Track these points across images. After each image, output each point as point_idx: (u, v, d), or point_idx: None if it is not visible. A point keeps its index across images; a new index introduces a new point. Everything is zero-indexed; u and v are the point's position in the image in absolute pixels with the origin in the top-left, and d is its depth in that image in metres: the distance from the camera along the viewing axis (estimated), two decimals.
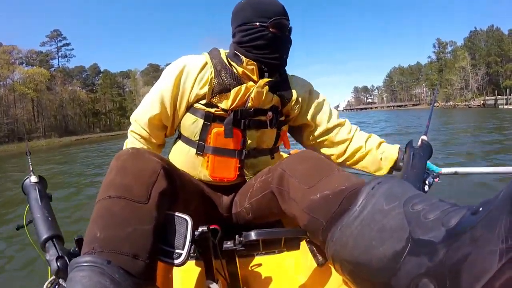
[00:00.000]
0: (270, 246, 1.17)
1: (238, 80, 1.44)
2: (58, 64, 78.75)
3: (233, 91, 1.41)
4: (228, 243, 1.13)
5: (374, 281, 0.82)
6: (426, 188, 1.43)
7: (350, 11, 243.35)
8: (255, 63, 1.44)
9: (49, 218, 1.28)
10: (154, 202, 0.99)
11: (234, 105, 1.42)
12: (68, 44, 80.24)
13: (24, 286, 3.22)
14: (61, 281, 1.09)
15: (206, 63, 1.48)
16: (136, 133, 1.62)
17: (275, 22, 1.42)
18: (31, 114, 62.31)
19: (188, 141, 1.52)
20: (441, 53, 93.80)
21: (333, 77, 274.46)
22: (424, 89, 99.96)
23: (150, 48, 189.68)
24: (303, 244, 1.41)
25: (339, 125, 1.67)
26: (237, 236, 1.12)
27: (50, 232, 1.20)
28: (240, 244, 1.10)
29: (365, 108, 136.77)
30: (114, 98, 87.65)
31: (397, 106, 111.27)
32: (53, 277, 1.10)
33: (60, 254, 1.12)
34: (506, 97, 63.00)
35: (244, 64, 1.45)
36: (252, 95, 1.43)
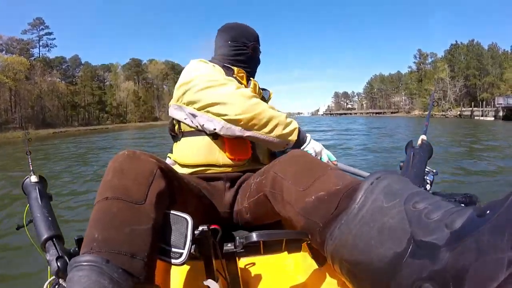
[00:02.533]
0: (271, 249, 1.17)
1: (239, 81, 1.73)
2: (39, 54, 77.28)
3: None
4: (229, 245, 1.13)
5: (373, 282, 0.80)
6: (428, 187, 1.44)
7: (335, 19, 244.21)
8: (243, 72, 1.80)
9: (49, 218, 1.28)
10: (151, 203, 1.01)
11: None
12: (50, 33, 79.04)
13: (24, 286, 3.22)
14: (61, 281, 1.10)
15: (220, 68, 1.73)
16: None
17: (253, 45, 1.87)
18: (8, 104, 61.03)
19: (199, 133, 1.62)
20: (421, 64, 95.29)
21: (314, 82, 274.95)
22: (403, 97, 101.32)
23: (133, 42, 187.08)
24: (304, 245, 1.45)
25: None
26: (237, 237, 1.11)
27: (50, 232, 1.20)
28: (241, 245, 1.09)
29: (345, 114, 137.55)
30: (94, 92, 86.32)
31: (376, 113, 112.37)
32: (53, 277, 1.10)
33: (60, 254, 1.13)
34: (482, 109, 64.22)
35: (236, 72, 1.77)
36: (251, 87, 1.77)
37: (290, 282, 1.35)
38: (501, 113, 53.31)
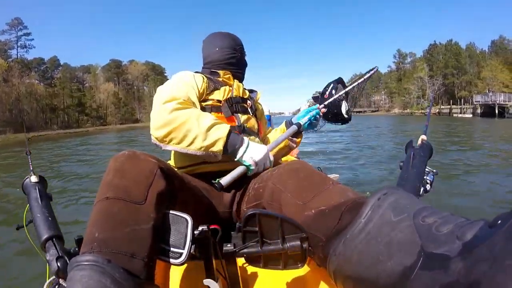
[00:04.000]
0: (272, 263, 1.09)
1: (223, 84, 1.84)
2: (17, 55, 75.61)
3: (222, 88, 1.79)
4: (228, 245, 1.13)
5: None
6: (428, 187, 1.44)
7: (318, 17, 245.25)
8: (229, 72, 1.92)
9: (49, 218, 1.29)
10: (151, 203, 1.02)
11: (225, 96, 1.77)
12: (28, 34, 76.63)
13: (24, 286, 3.23)
14: (61, 281, 1.10)
15: (201, 75, 1.79)
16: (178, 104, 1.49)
17: (240, 49, 2.03)
18: None
19: None
20: (400, 63, 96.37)
21: (300, 79, 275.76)
22: (382, 96, 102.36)
23: (113, 43, 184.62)
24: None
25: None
26: (237, 223, 1.11)
27: (50, 232, 1.21)
28: (240, 231, 1.08)
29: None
30: (73, 94, 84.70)
31: (357, 111, 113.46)
32: (53, 277, 1.10)
33: (60, 254, 1.13)
34: (460, 106, 66.22)
35: (222, 75, 1.88)
36: (234, 87, 1.86)
37: (288, 280, 1.36)
38: (479, 110, 55.35)
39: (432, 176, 1.47)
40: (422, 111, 75.51)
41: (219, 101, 1.73)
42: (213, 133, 1.41)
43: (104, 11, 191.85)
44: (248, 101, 1.89)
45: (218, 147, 1.41)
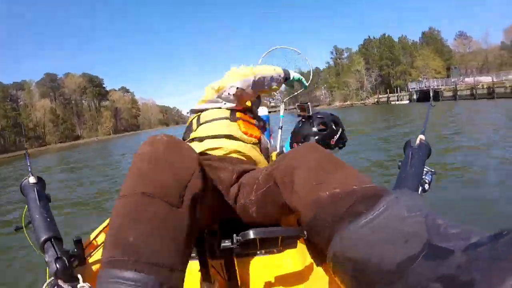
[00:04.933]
0: (267, 245, 1.12)
1: None
2: None
3: None
4: (226, 242, 1.10)
5: (379, 281, 0.77)
6: (426, 186, 1.42)
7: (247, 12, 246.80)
8: None
9: (48, 219, 1.30)
10: (187, 207, 0.89)
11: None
12: None
13: (23, 287, 3.19)
14: (60, 282, 1.11)
15: None
16: None
17: None
18: None
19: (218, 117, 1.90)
20: (338, 59, 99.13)
21: None
22: (323, 91, 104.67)
23: (47, 56, 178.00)
24: (300, 242, 1.43)
25: None
26: (234, 235, 1.08)
27: (49, 233, 1.22)
28: (238, 242, 1.06)
29: (269, 112, 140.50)
30: (8, 113, 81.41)
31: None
32: (52, 277, 1.11)
33: (59, 255, 1.14)
34: (397, 94, 69.74)
35: None
36: None
37: (287, 279, 1.38)
38: (414, 96, 58.70)
39: (430, 176, 1.47)
40: (362, 101, 79.50)
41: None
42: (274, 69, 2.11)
43: (34, 20, 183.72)
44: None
45: (280, 70, 2.13)
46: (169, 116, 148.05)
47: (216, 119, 1.85)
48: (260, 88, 2.01)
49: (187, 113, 2.19)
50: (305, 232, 1.07)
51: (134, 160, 0.94)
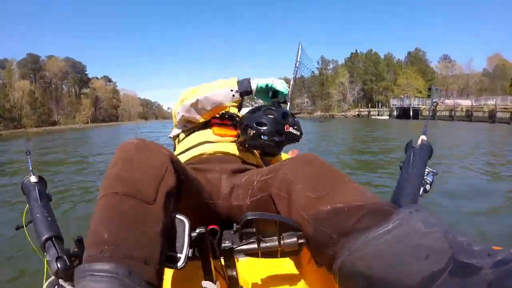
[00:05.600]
0: (269, 254, 1.13)
1: None
2: None
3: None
4: (227, 242, 1.13)
5: None
6: (428, 187, 1.40)
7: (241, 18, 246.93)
8: None
9: (49, 218, 1.30)
10: (161, 202, 0.93)
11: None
12: None
13: (24, 287, 3.20)
14: (60, 281, 1.11)
15: None
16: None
17: None
18: None
19: (195, 129, 1.86)
20: (323, 69, 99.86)
21: None
22: (305, 99, 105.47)
23: (31, 36, 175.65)
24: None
25: None
26: (234, 224, 1.11)
27: (49, 232, 1.21)
28: (241, 225, 1.07)
29: None
30: None
31: None
32: (53, 277, 1.11)
33: (60, 254, 1.14)
34: (378, 109, 71.68)
35: None
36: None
37: (288, 280, 1.39)
38: (395, 113, 59.82)
39: (432, 177, 1.46)
40: (343, 113, 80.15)
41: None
42: (223, 85, 1.74)
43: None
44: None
45: (233, 82, 1.72)
46: (149, 110, 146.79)
47: (193, 132, 1.86)
48: (205, 112, 1.76)
49: (168, 108, 2.12)
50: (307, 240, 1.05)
51: (109, 165, 0.98)
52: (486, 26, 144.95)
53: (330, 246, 0.93)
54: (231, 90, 1.70)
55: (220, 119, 1.85)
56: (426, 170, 1.45)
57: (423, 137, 1.56)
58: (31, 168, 1.60)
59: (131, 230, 0.84)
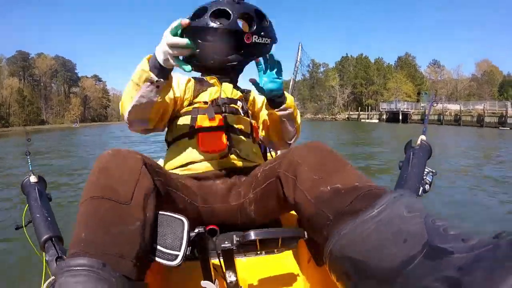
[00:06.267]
0: (267, 245, 1.16)
1: (210, 85, 1.72)
2: None
3: (209, 89, 1.70)
4: (226, 242, 1.12)
5: (378, 281, 0.80)
6: (427, 187, 1.43)
7: None
8: (215, 77, 1.73)
9: (49, 218, 1.32)
10: (137, 202, 0.99)
11: (212, 97, 1.68)
12: None
13: (24, 287, 3.18)
14: None
15: (189, 79, 1.76)
16: None
17: None
18: None
19: (181, 136, 1.63)
20: (314, 72, 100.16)
21: None
22: (296, 102, 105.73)
23: (20, 33, 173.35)
24: (300, 242, 1.44)
25: None
26: (234, 236, 1.12)
27: (49, 232, 1.24)
28: (238, 242, 1.09)
29: None
30: None
31: None
32: (52, 277, 1.10)
33: (59, 254, 1.16)
34: (367, 113, 71.99)
35: (208, 79, 1.74)
36: (223, 88, 1.72)
37: (288, 280, 1.39)
38: (384, 116, 60.83)
39: (431, 176, 1.48)
40: (333, 116, 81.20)
41: (205, 102, 1.66)
42: (136, 71, 1.31)
43: None
44: (239, 102, 1.75)
45: (143, 66, 1.28)
46: None
47: (177, 139, 1.72)
48: (149, 121, 1.50)
49: None
50: (305, 233, 1.08)
51: (88, 176, 1.04)
52: (475, 32, 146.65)
53: (325, 228, 0.97)
54: (149, 82, 1.29)
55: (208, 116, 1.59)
56: (426, 170, 1.47)
57: (423, 137, 1.59)
58: (31, 168, 1.61)
59: (107, 228, 0.90)
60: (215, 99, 1.67)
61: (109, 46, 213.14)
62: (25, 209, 1.41)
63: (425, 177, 1.45)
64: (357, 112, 75.84)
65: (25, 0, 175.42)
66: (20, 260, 3.64)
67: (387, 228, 0.82)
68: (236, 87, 1.81)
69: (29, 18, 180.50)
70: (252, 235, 1.06)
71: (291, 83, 2.23)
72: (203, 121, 1.57)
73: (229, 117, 1.63)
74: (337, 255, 0.91)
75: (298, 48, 2.94)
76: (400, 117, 54.29)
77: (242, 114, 1.71)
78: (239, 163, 1.57)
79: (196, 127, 1.57)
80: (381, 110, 65.54)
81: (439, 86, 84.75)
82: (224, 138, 1.55)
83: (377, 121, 61.72)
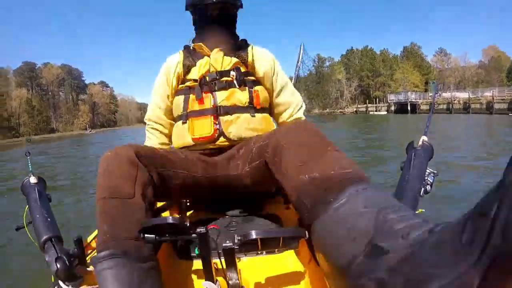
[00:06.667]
0: (269, 245, 1.18)
1: (201, 56, 1.74)
2: None
3: (198, 63, 1.71)
4: (227, 242, 1.15)
5: (337, 277, 0.85)
6: (428, 188, 1.42)
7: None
8: (202, 44, 1.73)
9: (48, 219, 1.33)
10: (139, 194, 1.18)
11: (201, 73, 1.68)
12: None
13: (23, 287, 3.23)
14: (60, 282, 1.15)
15: (178, 54, 1.82)
16: (153, 129, 1.91)
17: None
18: None
19: (178, 118, 1.75)
20: (320, 67, 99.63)
21: None
22: (302, 98, 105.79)
23: (26, 44, 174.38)
24: (302, 242, 1.43)
25: (290, 103, 1.90)
26: (235, 235, 1.15)
27: (49, 233, 1.25)
28: (240, 242, 1.11)
29: None
30: None
31: None
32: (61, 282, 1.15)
33: (59, 255, 1.17)
34: (375, 105, 71.66)
35: (197, 49, 1.77)
36: (212, 59, 1.69)
37: (289, 279, 1.39)
38: (392, 108, 59.88)
39: (433, 177, 1.47)
40: (341, 110, 79.52)
41: (195, 80, 1.69)
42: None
43: (14, 5, 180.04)
44: (232, 72, 1.69)
45: None
46: None
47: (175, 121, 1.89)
48: None
49: None
50: (306, 233, 1.07)
51: (97, 176, 1.22)
52: (481, 18, 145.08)
53: (305, 218, 1.03)
54: None
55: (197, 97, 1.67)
56: (427, 170, 1.46)
57: (424, 137, 1.58)
58: (31, 169, 1.62)
59: (121, 221, 1.10)
60: (203, 76, 1.67)
61: (114, 51, 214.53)
62: (25, 209, 1.42)
63: (426, 178, 1.45)
64: (365, 105, 75.06)
65: (25, 12, 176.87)
66: (20, 260, 3.66)
67: (342, 225, 0.86)
68: (229, 51, 1.76)
69: (33, 28, 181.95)
70: (253, 234, 1.08)
71: (292, 82, 2.28)
72: (193, 103, 1.66)
73: (219, 95, 1.65)
74: (316, 249, 1.01)
75: (300, 48, 2.98)
76: (409, 108, 53.95)
77: (237, 86, 1.68)
78: (229, 144, 1.64)
79: (188, 111, 1.68)
80: (389, 101, 64.98)
81: (446, 74, 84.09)
82: (212, 124, 1.63)
83: (385, 113, 61.30)
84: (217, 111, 1.63)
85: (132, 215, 1.13)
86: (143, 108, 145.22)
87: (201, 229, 1.08)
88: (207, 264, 1.14)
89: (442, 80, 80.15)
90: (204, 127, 1.62)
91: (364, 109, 72.13)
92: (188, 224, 1.08)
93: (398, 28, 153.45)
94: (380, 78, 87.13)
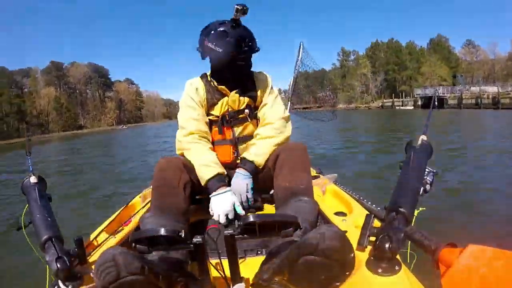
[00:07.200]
0: (267, 232, 1.21)
1: (221, 93, 2.04)
2: None
3: (219, 103, 2.03)
4: (229, 229, 1.19)
5: None
6: (428, 187, 1.43)
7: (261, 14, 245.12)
8: (223, 85, 2.01)
9: (49, 219, 1.34)
10: (181, 186, 1.73)
11: (222, 112, 2.03)
12: None
13: (24, 287, 3.24)
14: (59, 282, 1.16)
15: (198, 81, 2.09)
16: (200, 138, 2.01)
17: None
18: None
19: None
20: (344, 61, 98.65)
21: None
22: (328, 92, 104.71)
23: (53, 44, 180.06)
24: None
25: (269, 123, 2.06)
26: (236, 220, 1.48)
27: (49, 233, 1.26)
28: (239, 228, 1.16)
29: None
30: (12, 100, 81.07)
31: (303, 108, 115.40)
32: (58, 280, 1.15)
33: (59, 255, 1.17)
34: (402, 99, 69.40)
35: (218, 88, 2.03)
36: (230, 101, 2.02)
37: None
38: (419, 102, 57.82)
39: (432, 176, 1.47)
40: (366, 105, 78.65)
41: (217, 116, 2.05)
42: (202, 170, 1.84)
43: (41, 7, 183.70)
44: (246, 110, 2.05)
45: (203, 181, 1.83)
46: (171, 110, 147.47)
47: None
48: None
49: None
50: (299, 220, 1.24)
51: (154, 173, 1.78)
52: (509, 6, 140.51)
53: (278, 208, 1.77)
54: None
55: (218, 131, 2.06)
56: (427, 170, 1.45)
57: (423, 137, 1.57)
58: (31, 169, 1.64)
59: (168, 199, 1.69)
60: (224, 114, 2.04)
61: (140, 49, 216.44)
62: (25, 209, 1.42)
63: (426, 177, 1.44)
64: (391, 100, 72.94)
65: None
66: (20, 261, 3.67)
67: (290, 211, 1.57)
68: (243, 92, 2.04)
69: (60, 31, 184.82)
70: (251, 217, 1.15)
71: (291, 82, 2.27)
72: (216, 134, 2.06)
73: (236, 130, 2.07)
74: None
75: (299, 48, 2.97)
76: (436, 103, 52.06)
77: (249, 120, 2.07)
78: None
79: (213, 140, 2.06)
80: (415, 96, 63.12)
81: (475, 67, 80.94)
82: (231, 152, 2.06)
83: (412, 107, 59.41)
84: (236, 140, 2.06)
85: (176, 196, 1.70)
86: (168, 103, 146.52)
87: (197, 239, 1.11)
88: (202, 267, 1.17)
89: (471, 74, 78.12)
90: (225, 154, 2.04)
91: (390, 104, 70.37)
92: (182, 235, 1.10)
93: (423, 19, 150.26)
94: (406, 71, 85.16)
